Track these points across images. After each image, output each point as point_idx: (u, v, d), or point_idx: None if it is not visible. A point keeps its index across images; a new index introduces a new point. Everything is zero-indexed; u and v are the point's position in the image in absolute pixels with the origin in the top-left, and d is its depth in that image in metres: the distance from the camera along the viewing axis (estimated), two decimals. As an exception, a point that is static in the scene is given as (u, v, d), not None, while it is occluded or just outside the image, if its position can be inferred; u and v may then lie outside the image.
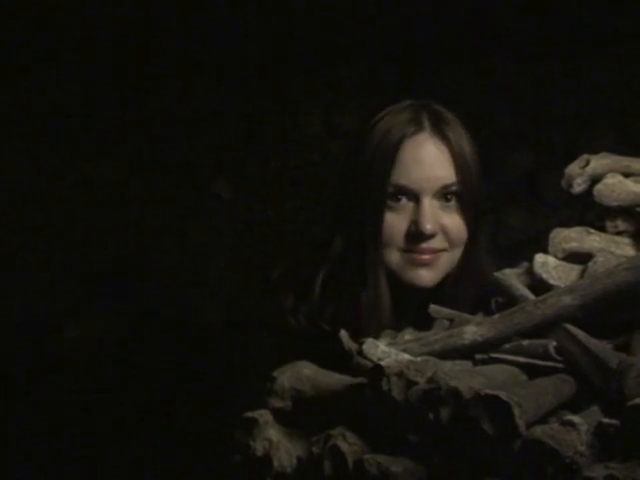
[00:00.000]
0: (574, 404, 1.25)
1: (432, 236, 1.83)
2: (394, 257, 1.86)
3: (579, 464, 1.10)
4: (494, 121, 4.07)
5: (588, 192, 1.62)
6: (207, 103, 4.50)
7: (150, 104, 4.48)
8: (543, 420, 1.19)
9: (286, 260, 2.09)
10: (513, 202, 4.00)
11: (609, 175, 1.62)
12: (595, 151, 1.67)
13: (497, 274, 1.53)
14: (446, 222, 1.86)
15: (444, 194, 1.85)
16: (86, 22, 3.78)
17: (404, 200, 1.86)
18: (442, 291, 1.89)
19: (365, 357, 1.34)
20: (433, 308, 1.53)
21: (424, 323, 1.60)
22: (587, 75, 3.83)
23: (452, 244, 1.87)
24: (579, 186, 1.62)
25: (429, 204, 1.83)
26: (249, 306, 2.03)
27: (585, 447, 1.11)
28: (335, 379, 1.39)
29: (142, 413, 4.13)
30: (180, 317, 4.39)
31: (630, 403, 1.12)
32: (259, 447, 1.34)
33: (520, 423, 1.13)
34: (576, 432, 1.11)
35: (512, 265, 1.58)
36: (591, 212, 1.65)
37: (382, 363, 1.26)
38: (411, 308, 1.90)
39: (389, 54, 3.96)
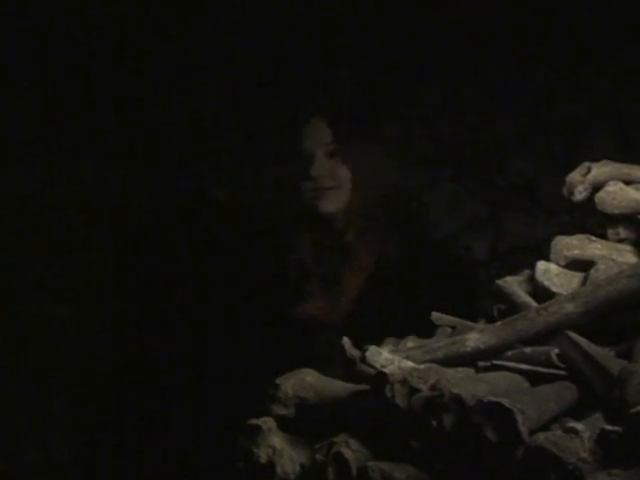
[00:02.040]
0: (576, 411, 1.25)
1: (321, 177, 2.81)
2: (309, 195, 2.84)
3: (582, 471, 1.11)
4: (493, 127, 4.07)
5: (589, 200, 1.62)
6: (205, 109, 4.50)
7: (148, 109, 4.48)
8: (546, 427, 1.19)
9: None
10: (513, 208, 4.00)
11: (610, 183, 1.62)
12: (596, 159, 1.68)
13: (499, 281, 1.54)
14: (332, 169, 2.83)
15: (330, 152, 2.83)
16: (85, 23, 3.77)
17: None
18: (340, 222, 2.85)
19: (368, 364, 1.34)
20: (435, 316, 1.53)
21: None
22: (587, 81, 3.83)
23: (339, 184, 2.83)
24: (580, 194, 1.62)
25: (319, 157, 2.82)
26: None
27: (588, 454, 1.11)
28: (338, 386, 1.39)
29: (142, 417, 4.13)
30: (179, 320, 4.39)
31: (632, 410, 1.13)
32: (263, 454, 1.34)
33: (523, 430, 1.14)
34: (579, 439, 1.12)
35: (513, 272, 1.58)
36: (592, 220, 1.66)
37: (385, 370, 1.27)
38: (323, 236, 2.88)
39: (389, 58, 3.96)
